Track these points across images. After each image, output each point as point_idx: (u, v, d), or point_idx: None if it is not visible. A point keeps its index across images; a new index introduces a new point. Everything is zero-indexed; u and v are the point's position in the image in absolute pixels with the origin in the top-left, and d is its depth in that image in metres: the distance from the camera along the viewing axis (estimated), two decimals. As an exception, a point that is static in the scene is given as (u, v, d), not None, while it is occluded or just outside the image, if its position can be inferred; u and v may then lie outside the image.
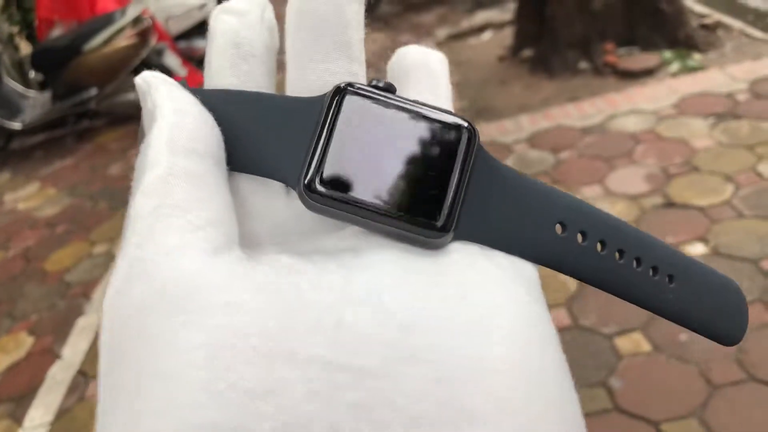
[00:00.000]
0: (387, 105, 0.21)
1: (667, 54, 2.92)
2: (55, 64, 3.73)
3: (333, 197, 0.20)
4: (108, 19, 3.71)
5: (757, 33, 2.99)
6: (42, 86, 4.01)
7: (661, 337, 1.60)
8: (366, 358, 0.16)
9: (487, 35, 3.80)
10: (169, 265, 0.17)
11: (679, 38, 2.97)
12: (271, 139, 0.22)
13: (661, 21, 3.01)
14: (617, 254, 0.22)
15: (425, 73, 0.24)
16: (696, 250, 1.83)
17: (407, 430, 0.16)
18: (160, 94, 0.21)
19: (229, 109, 0.22)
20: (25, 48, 4.60)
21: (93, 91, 3.77)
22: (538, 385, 0.17)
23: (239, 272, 0.17)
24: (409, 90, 0.23)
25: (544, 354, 0.18)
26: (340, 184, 0.20)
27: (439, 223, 0.20)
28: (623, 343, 1.62)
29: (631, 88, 2.78)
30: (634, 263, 0.22)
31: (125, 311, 0.17)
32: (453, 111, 0.22)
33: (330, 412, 0.15)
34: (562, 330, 1.67)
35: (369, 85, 0.21)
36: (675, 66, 2.84)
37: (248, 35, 0.24)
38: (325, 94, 0.21)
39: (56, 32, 3.94)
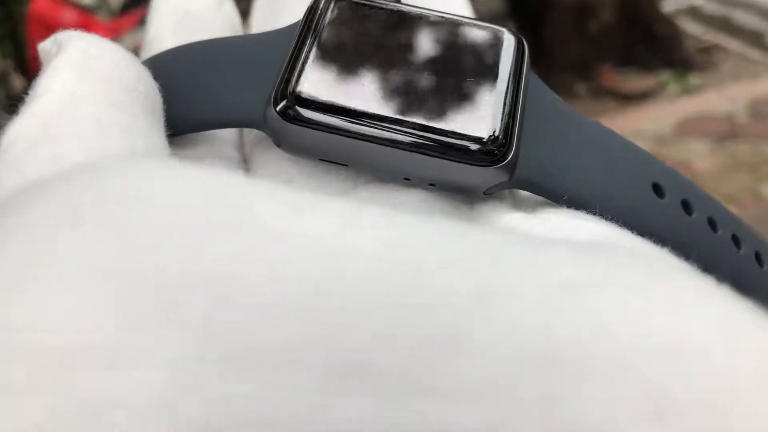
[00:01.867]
0: (394, 10, 0.15)
1: (665, 76, 2.91)
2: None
3: (319, 120, 0.13)
4: (102, 53, 3.72)
5: (754, 54, 2.98)
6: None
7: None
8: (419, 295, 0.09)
9: (482, 60, 3.80)
10: (45, 167, 0.11)
11: (676, 59, 2.96)
12: (228, 80, 0.15)
13: (657, 43, 3.00)
14: (733, 241, 0.15)
15: (440, 4, 0.17)
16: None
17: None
18: (69, 34, 0.14)
19: (167, 63, 0.16)
20: (19, 84, 4.60)
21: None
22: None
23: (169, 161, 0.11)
24: None
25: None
26: (328, 102, 0.14)
27: (488, 146, 0.13)
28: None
29: (630, 111, 2.77)
30: (755, 258, 0.16)
31: None
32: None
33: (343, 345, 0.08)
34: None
35: None
36: (673, 88, 2.83)
37: (200, 8, 0.19)
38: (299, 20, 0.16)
39: (50, 67, 3.96)
